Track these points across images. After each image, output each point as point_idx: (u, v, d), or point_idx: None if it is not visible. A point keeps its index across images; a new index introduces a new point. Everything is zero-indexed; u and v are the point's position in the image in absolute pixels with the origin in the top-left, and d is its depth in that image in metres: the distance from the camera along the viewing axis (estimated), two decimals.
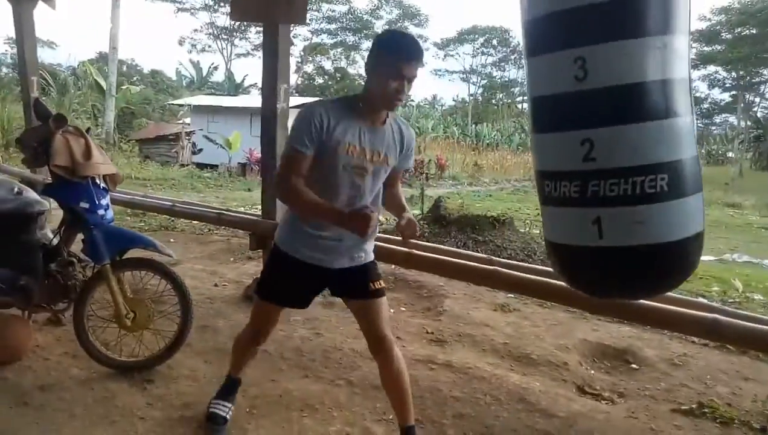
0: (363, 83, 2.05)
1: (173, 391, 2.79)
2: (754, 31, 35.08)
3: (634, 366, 3.46)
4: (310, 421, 2.58)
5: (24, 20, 5.72)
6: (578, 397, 3.01)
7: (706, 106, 50.45)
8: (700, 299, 3.55)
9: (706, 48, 39.57)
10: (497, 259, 3.56)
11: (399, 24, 45.46)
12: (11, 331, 2.94)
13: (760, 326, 2.62)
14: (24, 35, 5.77)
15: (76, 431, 2.39)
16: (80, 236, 3.00)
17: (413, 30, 46.35)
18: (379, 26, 44.55)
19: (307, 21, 4.15)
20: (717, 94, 47.36)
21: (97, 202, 2.87)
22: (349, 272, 2.15)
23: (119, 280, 2.91)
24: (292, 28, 4.41)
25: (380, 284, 2.19)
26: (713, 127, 51.60)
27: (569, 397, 2.98)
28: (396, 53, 1.91)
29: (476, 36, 52.70)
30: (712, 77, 44.65)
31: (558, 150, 1.46)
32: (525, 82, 1.73)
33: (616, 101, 1.37)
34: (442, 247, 3.98)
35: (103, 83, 16.25)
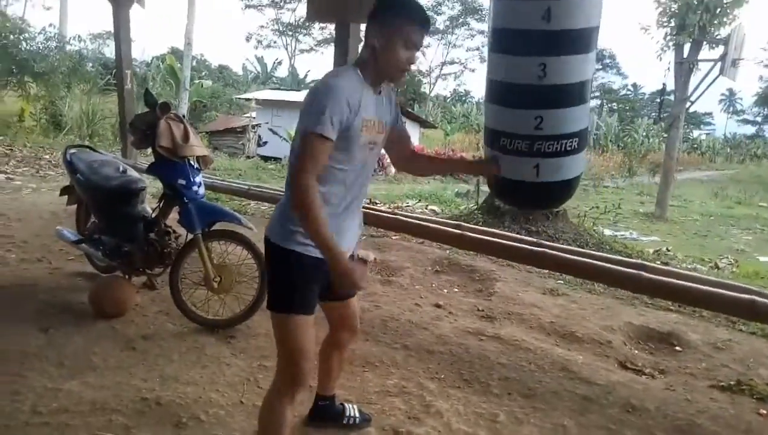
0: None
1: (252, 345, 3.20)
2: None
3: (677, 348, 3.62)
4: (371, 375, 2.93)
5: (121, 19, 6.34)
6: (619, 371, 3.22)
7: None
8: (737, 283, 3.64)
9: None
10: (545, 242, 3.79)
11: (462, 19, 45.19)
12: (119, 290, 3.43)
13: None
14: (121, 33, 6.39)
15: (175, 371, 2.83)
16: (174, 209, 3.46)
17: (475, 25, 45.98)
18: (441, 23, 44.46)
19: None
20: None
21: (192, 180, 3.31)
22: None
23: (208, 248, 3.34)
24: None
25: None
26: None
27: (610, 369, 3.19)
28: (410, 19, 1.66)
29: None
30: None
31: (517, 120, 2.18)
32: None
33: (561, 94, 2.10)
34: (491, 229, 4.21)
35: (180, 77, 17.34)
